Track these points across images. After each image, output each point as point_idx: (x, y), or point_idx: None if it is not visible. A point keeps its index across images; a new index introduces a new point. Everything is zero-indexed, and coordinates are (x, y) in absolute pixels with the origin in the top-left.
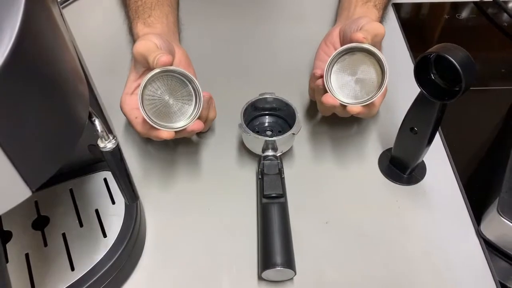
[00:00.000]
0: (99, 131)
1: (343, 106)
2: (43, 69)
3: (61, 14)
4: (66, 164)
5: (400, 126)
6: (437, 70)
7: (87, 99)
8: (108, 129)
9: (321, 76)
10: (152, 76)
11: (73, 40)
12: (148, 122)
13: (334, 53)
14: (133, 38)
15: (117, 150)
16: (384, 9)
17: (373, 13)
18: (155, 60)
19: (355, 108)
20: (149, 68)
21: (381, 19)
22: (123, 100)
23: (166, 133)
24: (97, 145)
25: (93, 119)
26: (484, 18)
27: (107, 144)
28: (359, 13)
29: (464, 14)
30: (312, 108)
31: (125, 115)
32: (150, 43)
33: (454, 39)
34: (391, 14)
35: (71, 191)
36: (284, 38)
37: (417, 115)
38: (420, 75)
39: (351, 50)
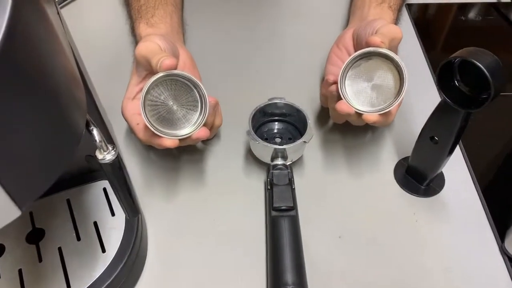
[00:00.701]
0: (97, 141)
1: (359, 114)
2: (33, 75)
3: (59, 14)
4: (63, 172)
5: (419, 135)
6: (461, 76)
7: (85, 106)
8: (108, 137)
9: (334, 82)
10: (155, 80)
11: (72, 42)
12: (150, 129)
13: (349, 59)
14: (136, 39)
15: (117, 162)
16: (399, 10)
17: (388, 14)
18: (158, 64)
19: (371, 117)
20: (151, 72)
21: (396, 21)
22: (124, 105)
23: (169, 141)
24: (95, 156)
25: (91, 128)
26: (502, 20)
27: (106, 156)
28: (373, 14)
29: (482, 15)
30: (324, 114)
31: (126, 120)
32: (153, 44)
33: (471, 41)
34: (404, 15)
35: (68, 201)
36: (293, 39)
37: (438, 124)
38: (443, 81)
39: (367, 55)
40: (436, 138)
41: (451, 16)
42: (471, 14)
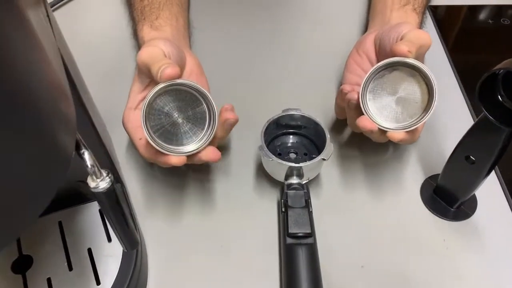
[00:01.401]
0: (89, 166)
1: (382, 131)
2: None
3: (48, 17)
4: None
5: (453, 153)
6: (505, 90)
7: (73, 123)
8: (105, 156)
9: (350, 94)
10: (157, 91)
11: (64, 47)
12: (153, 145)
13: (371, 70)
14: (138, 42)
15: (112, 191)
16: (424, 13)
17: (412, 17)
18: (159, 73)
19: (397, 135)
20: (154, 80)
21: (421, 25)
22: (126, 116)
23: (175, 159)
24: (87, 183)
25: (81, 151)
26: None
27: (99, 183)
28: (396, 17)
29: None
30: (341, 126)
31: (128, 133)
32: (156, 50)
33: (504, 47)
34: (427, 18)
35: (60, 224)
36: (309, 44)
37: (476, 142)
38: (484, 95)
39: (391, 65)
40: (472, 157)
41: (479, 19)
42: (500, 17)
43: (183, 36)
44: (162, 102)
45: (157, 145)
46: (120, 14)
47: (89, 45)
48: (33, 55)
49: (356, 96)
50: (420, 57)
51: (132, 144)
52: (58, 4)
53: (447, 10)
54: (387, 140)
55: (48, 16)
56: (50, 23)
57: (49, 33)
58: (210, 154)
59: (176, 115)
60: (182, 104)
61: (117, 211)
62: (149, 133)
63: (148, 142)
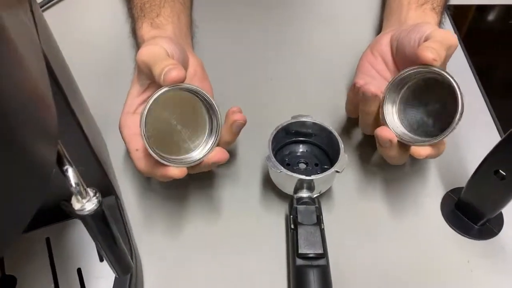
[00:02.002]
0: (73, 185)
1: (401, 146)
2: None
3: (33, 16)
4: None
5: (480, 166)
6: None
7: (54, 134)
8: (98, 169)
9: (365, 87)
10: (160, 95)
11: (53, 48)
12: (153, 157)
13: (393, 78)
14: (137, 41)
15: (100, 213)
16: (443, 12)
17: (431, 17)
18: (162, 75)
19: (422, 151)
20: (154, 82)
21: (440, 26)
22: (123, 121)
23: (176, 171)
24: (71, 205)
25: (64, 167)
26: None
27: (85, 205)
28: (413, 17)
29: None
30: (356, 134)
31: (124, 141)
32: (158, 49)
33: None
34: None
35: (47, 241)
36: (318, 45)
37: (507, 156)
38: None
39: (415, 74)
40: (503, 172)
41: (502, 20)
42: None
43: (186, 35)
44: (161, 107)
45: (159, 157)
46: (118, 11)
47: (85, 45)
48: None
49: (372, 89)
50: (447, 59)
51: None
52: (52, 2)
53: (467, 10)
54: (405, 159)
55: (33, 15)
56: (35, 23)
57: (31, 35)
58: (218, 155)
59: (175, 122)
60: (181, 110)
61: (107, 235)
62: (148, 141)
63: (146, 154)
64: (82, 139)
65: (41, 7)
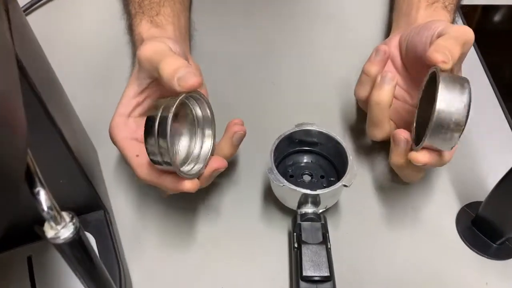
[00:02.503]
0: (45, 209)
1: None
2: None
3: (8, 17)
4: (22, 220)
5: (502, 181)
6: None
7: (21, 150)
8: (84, 182)
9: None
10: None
11: (31, 50)
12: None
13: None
14: (134, 38)
15: (77, 240)
16: (455, 11)
17: (443, 16)
18: (176, 78)
19: (420, 157)
20: (156, 82)
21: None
22: (115, 124)
23: (190, 184)
24: (44, 231)
25: (36, 189)
26: None
27: (60, 232)
28: (423, 16)
29: None
30: (365, 143)
31: (117, 146)
32: (163, 46)
33: None
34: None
35: (29, 260)
36: (323, 46)
37: None
38: None
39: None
40: None
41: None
42: None
43: (184, 38)
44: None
45: (178, 171)
46: (109, 11)
47: (75, 47)
48: None
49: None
50: (462, 57)
51: (122, 161)
52: (40, 2)
53: (481, 11)
54: (419, 176)
55: (7, 16)
56: (9, 24)
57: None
58: (216, 163)
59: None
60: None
61: (86, 265)
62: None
63: (148, 160)
64: (64, 149)
65: (28, 8)
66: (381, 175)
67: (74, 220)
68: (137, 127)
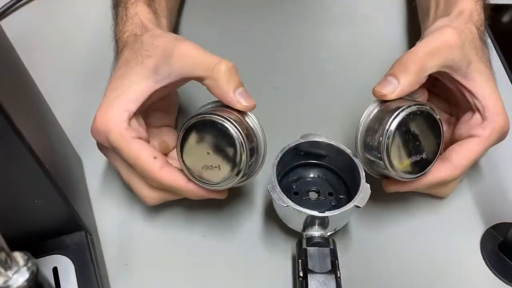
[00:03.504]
0: None
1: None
2: None
3: None
4: None
5: None
6: None
7: None
8: (61, 201)
9: None
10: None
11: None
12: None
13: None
14: (128, 21)
15: (35, 286)
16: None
17: (466, 2)
18: (236, 93)
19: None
20: (178, 82)
21: (482, 10)
22: (118, 121)
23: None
24: None
25: None
26: None
27: (12, 279)
28: (444, 11)
29: None
30: None
31: (120, 147)
32: (203, 52)
33: None
34: None
35: None
36: (334, 49)
37: None
38: None
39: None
40: None
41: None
42: None
43: None
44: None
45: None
46: (95, 9)
47: (55, 48)
48: None
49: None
50: (447, 67)
51: (109, 172)
52: (19, 3)
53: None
54: (445, 189)
55: None
56: None
57: None
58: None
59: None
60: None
61: None
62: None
63: (165, 162)
64: (36, 166)
65: (6, 10)
66: (395, 195)
67: (29, 264)
68: (139, 125)
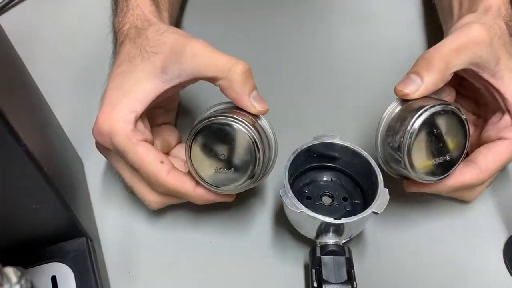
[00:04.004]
0: None
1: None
2: None
3: None
4: None
5: None
6: None
7: None
8: (60, 205)
9: None
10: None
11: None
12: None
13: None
14: (129, 12)
15: None
16: None
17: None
18: (252, 97)
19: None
20: (188, 82)
21: None
22: (124, 122)
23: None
24: None
25: None
26: None
27: None
28: (469, 9)
29: None
30: None
31: (126, 150)
32: (214, 51)
33: None
34: None
35: None
36: (349, 47)
37: None
38: None
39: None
40: None
41: None
42: None
43: None
44: None
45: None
46: (95, 6)
47: (56, 47)
48: None
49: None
50: (474, 65)
51: (111, 173)
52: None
53: None
54: (471, 193)
55: None
56: None
57: None
58: None
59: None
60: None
61: None
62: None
63: (172, 166)
64: (33, 168)
65: (4, 6)
66: (416, 197)
67: (22, 281)
68: (145, 127)
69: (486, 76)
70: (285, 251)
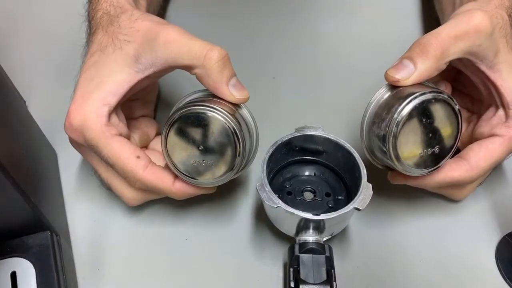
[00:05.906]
0: None
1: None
2: None
3: None
4: None
5: None
6: None
7: None
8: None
9: None
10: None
11: None
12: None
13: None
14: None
15: None
16: None
17: None
18: (229, 85)
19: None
20: (163, 71)
21: None
22: (97, 116)
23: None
24: None
25: None
26: None
27: None
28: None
29: None
30: None
31: (100, 145)
32: (190, 37)
33: None
34: None
35: None
36: (334, 37)
37: None
38: None
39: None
40: None
41: None
42: None
43: None
44: None
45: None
46: None
47: (30, 33)
48: None
49: None
50: (472, 55)
51: (84, 167)
52: None
53: None
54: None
55: None
56: None
57: None
58: None
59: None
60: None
61: None
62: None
63: (148, 161)
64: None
65: None
66: (403, 193)
67: None
68: (119, 121)
69: (483, 67)
70: (264, 249)
